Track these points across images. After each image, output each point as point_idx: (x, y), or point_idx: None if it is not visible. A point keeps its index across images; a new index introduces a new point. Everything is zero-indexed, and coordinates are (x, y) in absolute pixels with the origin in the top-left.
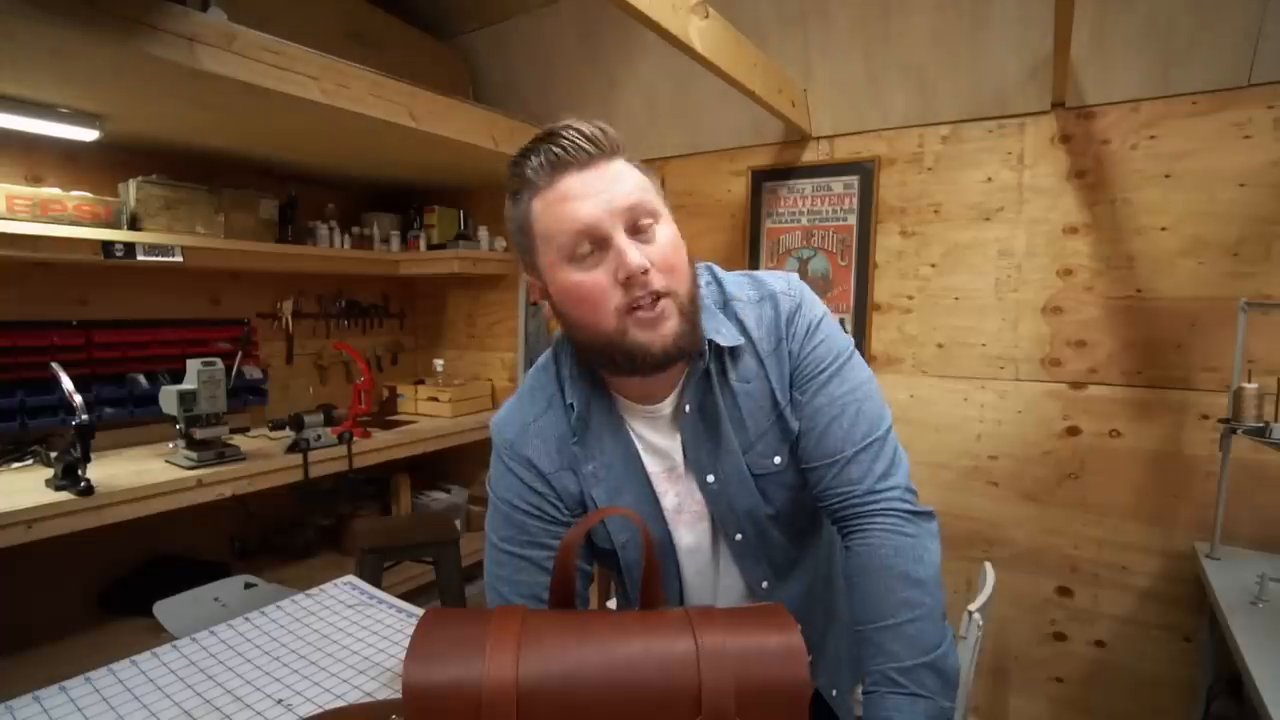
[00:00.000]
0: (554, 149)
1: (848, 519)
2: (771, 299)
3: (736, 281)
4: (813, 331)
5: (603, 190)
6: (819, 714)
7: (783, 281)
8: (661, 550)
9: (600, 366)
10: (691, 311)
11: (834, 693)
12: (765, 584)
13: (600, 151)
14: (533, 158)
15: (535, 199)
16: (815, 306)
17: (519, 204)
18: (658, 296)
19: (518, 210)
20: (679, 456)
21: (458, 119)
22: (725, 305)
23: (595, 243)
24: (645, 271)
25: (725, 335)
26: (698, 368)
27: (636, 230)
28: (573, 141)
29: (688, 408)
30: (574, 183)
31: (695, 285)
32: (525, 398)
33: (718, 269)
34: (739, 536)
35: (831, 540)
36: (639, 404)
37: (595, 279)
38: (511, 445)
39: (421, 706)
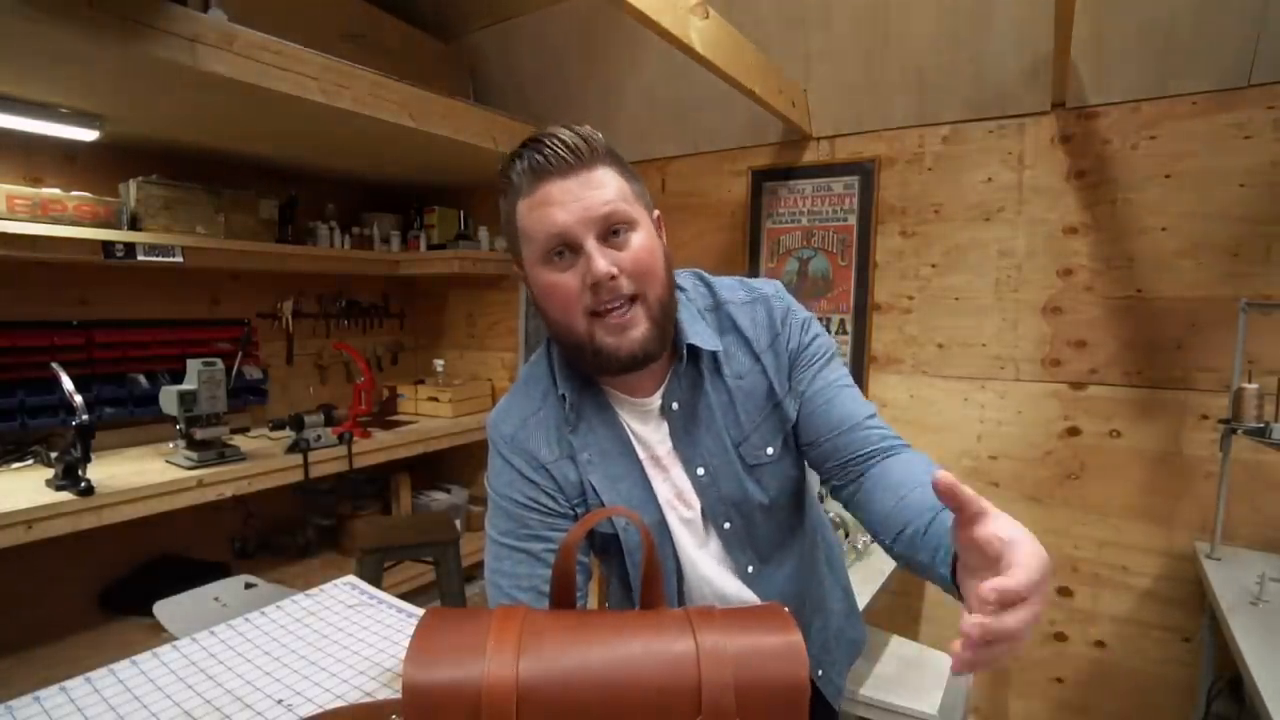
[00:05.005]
0: (537, 155)
1: (866, 459)
2: (764, 300)
3: (728, 286)
4: (807, 328)
5: (578, 198)
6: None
7: (771, 287)
8: (659, 535)
9: (575, 362)
10: (662, 317)
11: (819, 673)
12: (751, 569)
13: (580, 160)
14: (518, 162)
15: (520, 201)
16: (802, 311)
17: (507, 202)
18: (628, 301)
19: (506, 207)
20: (667, 448)
21: (458, 119)
22: (718, 308)
23: (568, 247)
24: (613, 278)
25: (705, 339)
26: (679, 368)
27: (609, 235)
28: (554, 150)
29: (675, 405)
30: (553, 189)
31: (670, 291)
32: (521, 392)
33: (707, 274)
34: (727, 525)
35: (815, 529)
36: (626, 396)
37: (567, 281)
38: (512, 439)
39: (421, 706)
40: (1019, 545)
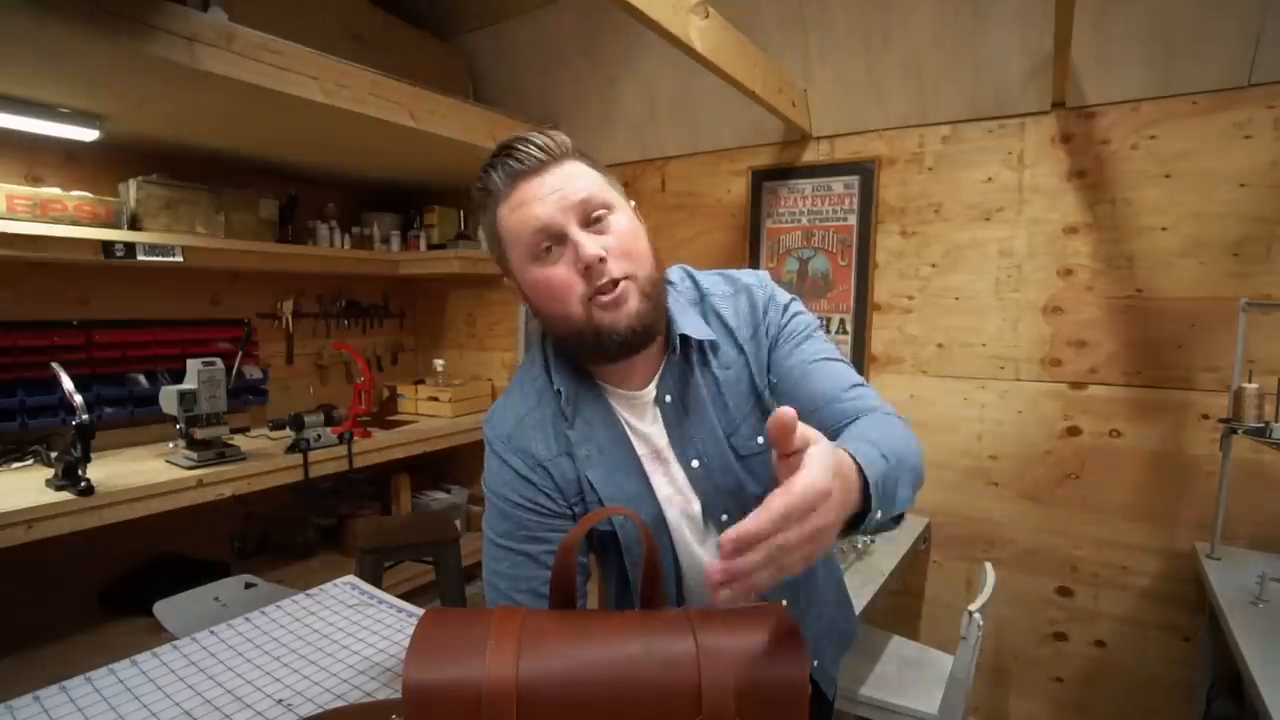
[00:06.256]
0: (510, 161)
1: (841, 431)
2: (746, 290)
3: (711, 279)
4: (786, 310)
5: (555, 190)
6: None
7: (754, 277)
8: (657, 530)
9: (576, 352)
10: (653, 292)
11: (815, 663)
12: None
13: (550, 157)
14: (493, 172)
15: (500, 207)
16: (785, 295)
17: (488, 214)
18: (618, 281)
19: (487, 220)
20: (663, 441)
21: (458, 119)
22: (702, 301)
23: (554, 239)
24: (602, 259)
25: (697, 329)
26: (671, 359)
27: (591, 222)
28: (526, 152)
29: (668, 397)
30: (530, 187)
31: (658, 271)
32: (516, 392)
33: (692, 269)
34: (725, 517)
35: None
36: (621, 389)
37: (559, 273)
38: (509, 439)
39: (421, 706)
40: (788, 489)
